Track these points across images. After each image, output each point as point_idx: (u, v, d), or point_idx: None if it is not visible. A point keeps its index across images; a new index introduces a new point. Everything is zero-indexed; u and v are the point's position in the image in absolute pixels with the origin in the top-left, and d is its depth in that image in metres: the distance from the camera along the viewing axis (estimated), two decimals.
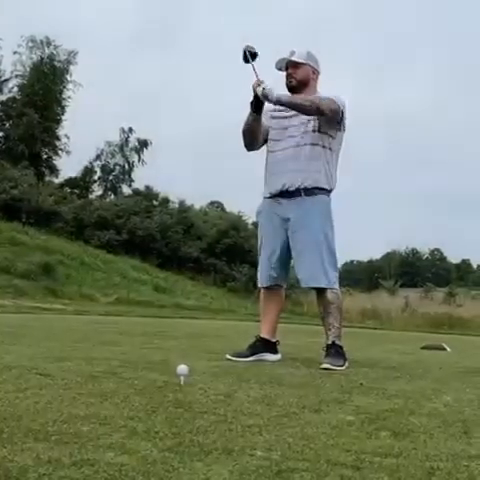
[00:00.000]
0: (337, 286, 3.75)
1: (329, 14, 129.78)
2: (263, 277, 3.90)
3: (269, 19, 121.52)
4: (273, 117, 3.85)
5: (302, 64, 3.76)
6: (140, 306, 15.36)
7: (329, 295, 3.69)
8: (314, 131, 3.70)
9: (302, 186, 3.69)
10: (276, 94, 3.58)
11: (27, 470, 1.31)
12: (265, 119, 3.81)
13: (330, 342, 3.68)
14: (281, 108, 3.77)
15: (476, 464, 1.59)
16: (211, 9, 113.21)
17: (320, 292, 3.73)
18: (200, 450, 1.56)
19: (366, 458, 1.58)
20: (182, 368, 2.61)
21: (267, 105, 3.73)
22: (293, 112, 3.72)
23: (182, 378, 2.61)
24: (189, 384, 2.60)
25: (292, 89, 3.76)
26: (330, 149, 3.74)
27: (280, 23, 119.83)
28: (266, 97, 3.55)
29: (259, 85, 3.55)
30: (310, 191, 3.70)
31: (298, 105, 3.66)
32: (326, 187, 3.74)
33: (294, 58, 3.76)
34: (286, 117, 3.79)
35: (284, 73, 3.80)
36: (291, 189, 3.70)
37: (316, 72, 3.82)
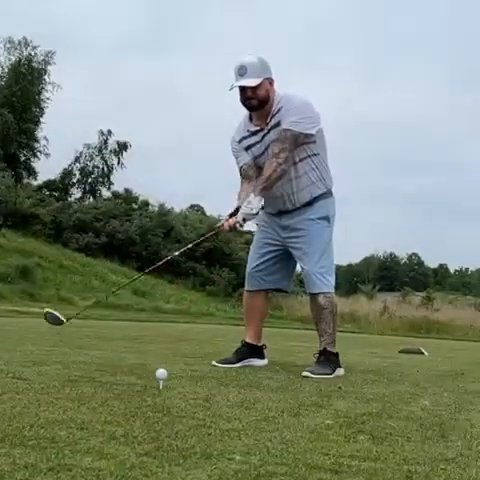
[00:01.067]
0: (332, 290, 3.66)
1: (329, 13, 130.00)
2: (247, 280, 3.89)
3: (269, 19, 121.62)
4: (248, 148, 3.67)
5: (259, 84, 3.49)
6: (119, 310, 15.26)
7: (321, 300, 3.62)
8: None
9: (298, 204, 3.65)
10: (255, 206, 3.47)
11: (3, 476, 1.29)
12: (244, 153, 3.66)
13: (321, 348, 3.65)
14: (247, 134, 3.65)
15: (453, 467, 1.61)
16: (203, 9, 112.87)
17: (313, 296, 3.68)
18: (179, 454, 1.56)
19: (344, 462, 1.59)
20: (161, 372, 2.60)
21: (235, 137, 3.68)
22: (262, 132, 3.58)
23: (161, 382, 2.60)
24: (168, 388, 2.59)
25: (253, 108, 3.58)
26: (315, 154, 3.62)
27: (280, 23, 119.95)
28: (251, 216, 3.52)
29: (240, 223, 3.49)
30: (307, 203, 3.65)
31: (273, 182, 3.52)
32: (321, 192, 3.66)
33: (249, 82, 3.47)
34: (259, 141, 3.63)
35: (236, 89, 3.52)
36: (288, 209, 3.66)
37: (272, 81, 3.58)
